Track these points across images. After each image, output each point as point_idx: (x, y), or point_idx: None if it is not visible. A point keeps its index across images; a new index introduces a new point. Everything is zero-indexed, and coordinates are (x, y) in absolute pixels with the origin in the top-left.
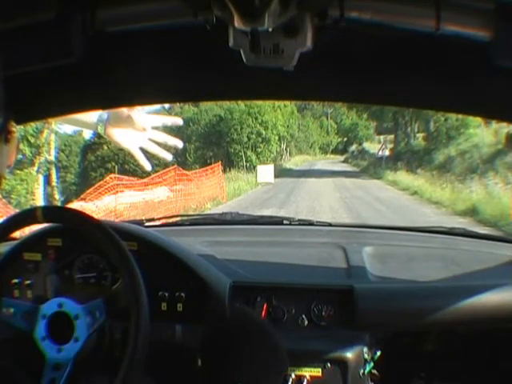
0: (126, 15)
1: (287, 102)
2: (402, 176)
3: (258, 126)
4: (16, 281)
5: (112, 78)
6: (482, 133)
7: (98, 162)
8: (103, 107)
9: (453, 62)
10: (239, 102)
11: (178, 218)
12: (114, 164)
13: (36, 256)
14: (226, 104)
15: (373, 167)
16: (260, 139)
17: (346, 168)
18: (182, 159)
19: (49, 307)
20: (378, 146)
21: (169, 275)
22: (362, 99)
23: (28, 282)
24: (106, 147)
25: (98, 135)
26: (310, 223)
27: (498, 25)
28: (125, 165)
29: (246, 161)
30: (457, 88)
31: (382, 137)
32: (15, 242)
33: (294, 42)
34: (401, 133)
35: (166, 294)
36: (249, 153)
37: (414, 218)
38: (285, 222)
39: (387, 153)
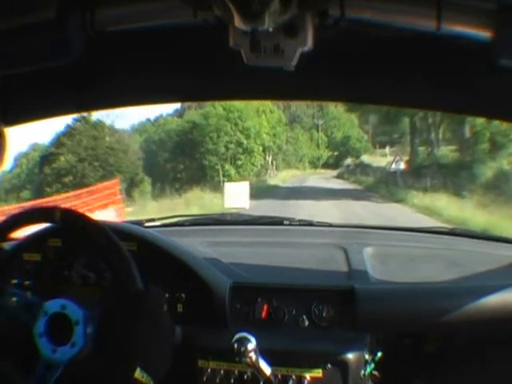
0: (125, 15)
1: (273, 107)
2: (436, 199)
3: (237, 133)
4: (16, 281)
5: (111, 78)
6: None
7: (53, 176)
8: (102, 107)
9: (454, 62)
10: (216, 105)
11: (178, 219)
12: (71, 178)
13: (36, 256)
14: (200, 107)
15: (384, 185)
16: (240, 150)
17: (344, 185)
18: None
19: (52, 306)
20: (379, 159)
21: (169, 276)
22: (362, 99)
23: (28, 282)
24: (62, 158)
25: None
26: (311, 224)
27: (499, 25)
28: (84, 179)
29: (224, 175)
30: (458, 88)
31: (387, 149)
32: (15, 242)
33: (294, 41)
34: (418, 141)
35: (166, 295)
36: (227, 166)
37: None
38: (285, 222)
39: (402, 166)
